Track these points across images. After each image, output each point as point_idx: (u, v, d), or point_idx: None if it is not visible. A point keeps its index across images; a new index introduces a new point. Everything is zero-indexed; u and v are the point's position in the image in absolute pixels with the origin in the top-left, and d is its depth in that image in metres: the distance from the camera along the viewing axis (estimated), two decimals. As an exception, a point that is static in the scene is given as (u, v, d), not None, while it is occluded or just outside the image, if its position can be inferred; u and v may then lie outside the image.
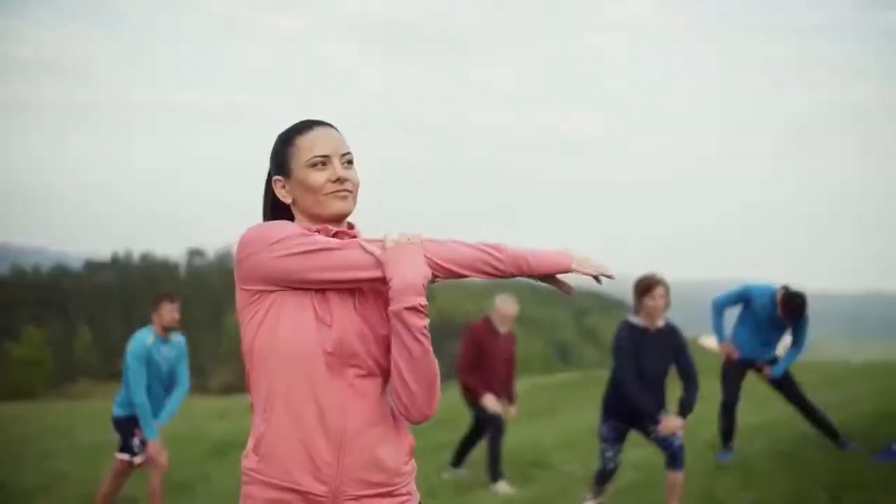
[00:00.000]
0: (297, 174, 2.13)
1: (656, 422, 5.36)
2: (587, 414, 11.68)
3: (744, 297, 7.02)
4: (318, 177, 2.11)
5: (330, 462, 2.04)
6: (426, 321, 2.04)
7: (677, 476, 5.44)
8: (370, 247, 2.06)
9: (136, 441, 6.16)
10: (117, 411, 6.26)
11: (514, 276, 2.14)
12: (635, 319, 5.48)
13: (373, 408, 2.08)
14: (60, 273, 74.05)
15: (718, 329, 7.12)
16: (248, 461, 2.11)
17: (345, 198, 2.12)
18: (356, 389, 2.07)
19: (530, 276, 2.15)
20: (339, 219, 2.15)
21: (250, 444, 2.11)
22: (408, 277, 2.01)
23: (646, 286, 5.39)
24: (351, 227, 2.20)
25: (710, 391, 6.93)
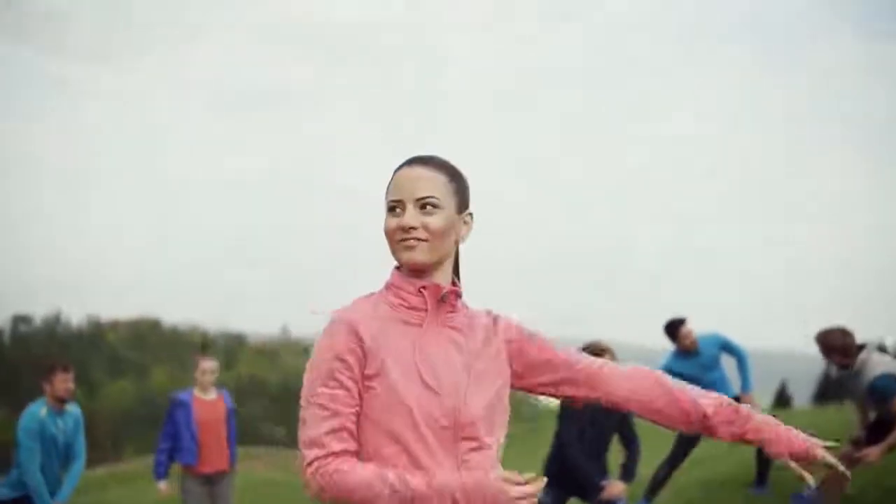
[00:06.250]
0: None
1: (599, 490, 5.27)
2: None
3: None
4: (390, 223, 1.91)
5: None
6: None
7: None
8: (405, 484, 1.75)
9: None
10: (5, 493, 5.71)
11: None
12: None
13: None
14: None
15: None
16: None
17: (412, 247, 1.87)
18: (469, 466, 1.83)
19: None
20: (412, 269, 1.92)
21: None
22: None
23: (592, 355, 5.27)
24: (457, 295, 1.97)
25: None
